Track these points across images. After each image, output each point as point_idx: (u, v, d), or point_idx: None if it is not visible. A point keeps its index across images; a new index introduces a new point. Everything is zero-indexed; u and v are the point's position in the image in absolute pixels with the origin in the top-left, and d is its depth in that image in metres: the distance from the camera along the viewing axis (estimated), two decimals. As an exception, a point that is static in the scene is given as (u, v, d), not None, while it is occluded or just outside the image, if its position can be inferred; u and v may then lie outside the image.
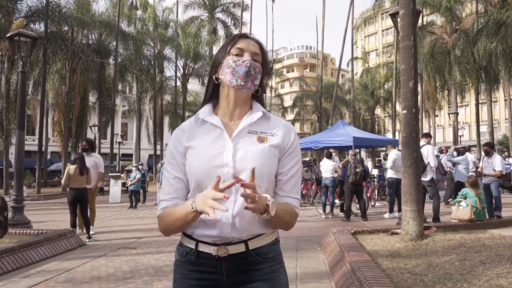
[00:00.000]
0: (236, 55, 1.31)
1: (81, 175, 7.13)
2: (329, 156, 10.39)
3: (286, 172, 1.31)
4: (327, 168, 10.14)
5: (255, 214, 1.24)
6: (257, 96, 1.39)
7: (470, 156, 11.54)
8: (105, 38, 25.62)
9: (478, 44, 21.08)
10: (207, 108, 1.36)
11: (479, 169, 8.65)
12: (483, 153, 8.98)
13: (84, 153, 7.63)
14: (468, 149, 12.27)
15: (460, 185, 10.01)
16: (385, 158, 13.93)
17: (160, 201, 1.32)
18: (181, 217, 1.22)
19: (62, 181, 7.32)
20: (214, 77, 1.35)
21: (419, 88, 20.35)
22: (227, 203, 1.23)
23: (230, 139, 1.28)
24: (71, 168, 7.13)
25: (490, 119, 25.63)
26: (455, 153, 11.18)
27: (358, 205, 9.97)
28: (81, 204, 7.21)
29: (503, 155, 17.45)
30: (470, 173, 9.57)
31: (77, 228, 7.46)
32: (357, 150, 18.40)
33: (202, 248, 1.27)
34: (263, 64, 1.35)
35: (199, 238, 1.27)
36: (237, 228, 1.23)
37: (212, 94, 1.38)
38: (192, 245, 1.28)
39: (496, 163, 8.35)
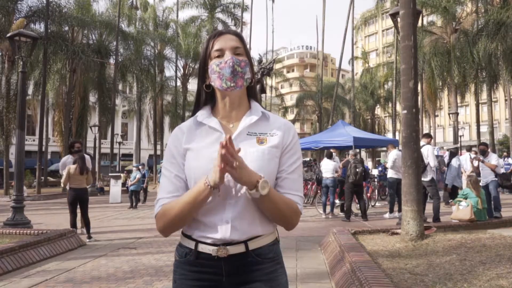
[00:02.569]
0: (218, 57, 1.29)
1: (81, 175, 7.14)
2: (330, 156, 10.39)
3: (285, 169, 1.29)
4: (328, 168, 10.14)
5: (256, 215, 1.24)
6: (251, 86, 1.36)
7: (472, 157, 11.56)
8: (105, 38, 25.63)
9: (478, 44, 21.09)
10: (206, 110, 1.36)
11: (472, 169, 8.67)
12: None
13: (80, 153, 7.60)
14: (469, 149, 12.29)
15: (451, 188, 10.07)
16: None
17: (159, 200, 1.28)
18: (190, 201, 1.19)
19: (62, 180, 7.32)
20: (204, 85, 1.35)
21: (419, 88, 20.37)
22: (227, 206, 1.23)
23: None
24: (72, 167, 7.13)
25: (490, 119, 25.62)
26: (446, 157, 11.22)
27: (358, 205, 9.97)
28: (82, 204, 7.22)
29: (503, 154, 17.47)
30: (470, 173, 9.59)
31: (79, 227, 7.47)
32: (357, 150, 18.40)
33: (202, 248, 1.26)
34: (246, 53, 1.33)
35: (198, 239, 1.26)
36: (237, 230, 1.22)
37: (208, 98, 1.38)
38: (191, 245, 1.27)
39: (492, 160, 8.41)
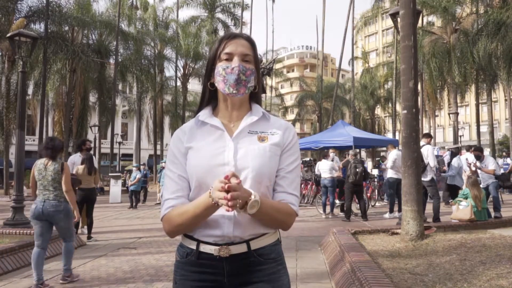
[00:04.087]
0: (226, 59, 1.31)
1: (90, 175, 7.15)
2: (325, 156, 10.45)
3: (284, 168, 1.31)
4: (325, 168, 10.16)
5: None
6: (255, 93, 1.38)
7: (471, 156, 11.56)
8: (105, 38, 25.61)
9: (478, 44, 21.07)
10: (207, 110, 1.38)
11: (470, 172, 8.65)
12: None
13: (88, 153, 7.60)
14: (468, 149, 12.28)
15: (451, 188, 10.04)
16: (382, 161, 14.05)
17: (166, 201, 1.29)
18: (198, 214, 1.19)
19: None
20: (209, 83, 1.36)
21: (419, 88, 20.34)
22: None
23: (231, 139, 1.29)
24: (80, 168, 7.14)
25: (490, 119, 25.64)
26: (447, 156, 11.19)
27: (358, 205, 9.97)
28: (89, 204, 7.23)
29: (503, 154, 17.46)
30: (470, 174, 9.58)
31: (80, 227, 7.48)
32: (357, 150, 18.41)
33: (204, 248, 1.26)
34: (255, 60, 1.35)
35: (200, 238, 1.27)
36: (239, 227, 1.23)
37: (210, 97, 1.39)
38: (193, 245, 1.28)
39: (489, 164, 8.43)
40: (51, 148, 4.51)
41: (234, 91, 1.29)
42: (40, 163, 4.51)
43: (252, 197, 1.14)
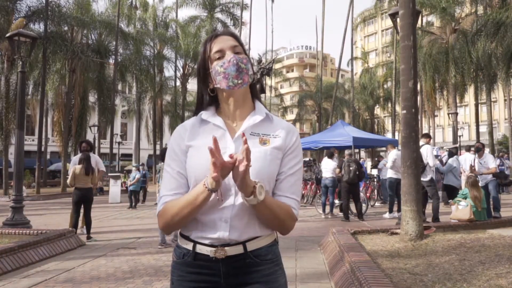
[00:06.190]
0: (219, 58, 1.29)
1: (87, 175, 7.14)
2: (331, 156, 10.38)
3: (285, 172, 1.29)
4: (328, 168, 10.12)
5: (254, 215, 1.23)
6: (252, 85, 1.37)
7: (470, 156, 11.55)
8: (105, 38, 25.61)
9: (477, 44, 21.09)
10: (210, 110, 1.35)
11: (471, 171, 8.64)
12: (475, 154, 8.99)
13: (86, 153, 7.60)
14: (468, 149, 12.28)
15: (448, 188, 10.03)
16: (379, 160, 14.04)
17: (162, 197, 1.27)
18: (190, 201, 1.18)
19: (68, 181, 7.34)
20: (208, 89, 1.34)
21: (418, 88, 20.35)
22: (225, 204, 1.22)
23: (232, 141, 1.27)
24: (77, 167, 7.13)
25: (490, 119, 25.64)
26: (445, 156, 11.18)
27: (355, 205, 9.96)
28: (86, 203, 7.23)
29: (505, 155, 17.44)
30: (469, 174, 9.58)
31: (80, 227, 7.48)
32: (356, 150, 18.40)
33: (200, 249, 1.25)
34: (244, 51, 1.34)
35: (196, 240, 1.26)
36: (235, 230, 1.22)
37: (211, 100, 1.37)
38: (189, 246, 1.27)
39: (489, 162, 8.41)
40: (161, 154, 6.69)
41: (239, 81, 1.27)
42: (161, 164, 6.75)
43: (258, 183, 1.15)
